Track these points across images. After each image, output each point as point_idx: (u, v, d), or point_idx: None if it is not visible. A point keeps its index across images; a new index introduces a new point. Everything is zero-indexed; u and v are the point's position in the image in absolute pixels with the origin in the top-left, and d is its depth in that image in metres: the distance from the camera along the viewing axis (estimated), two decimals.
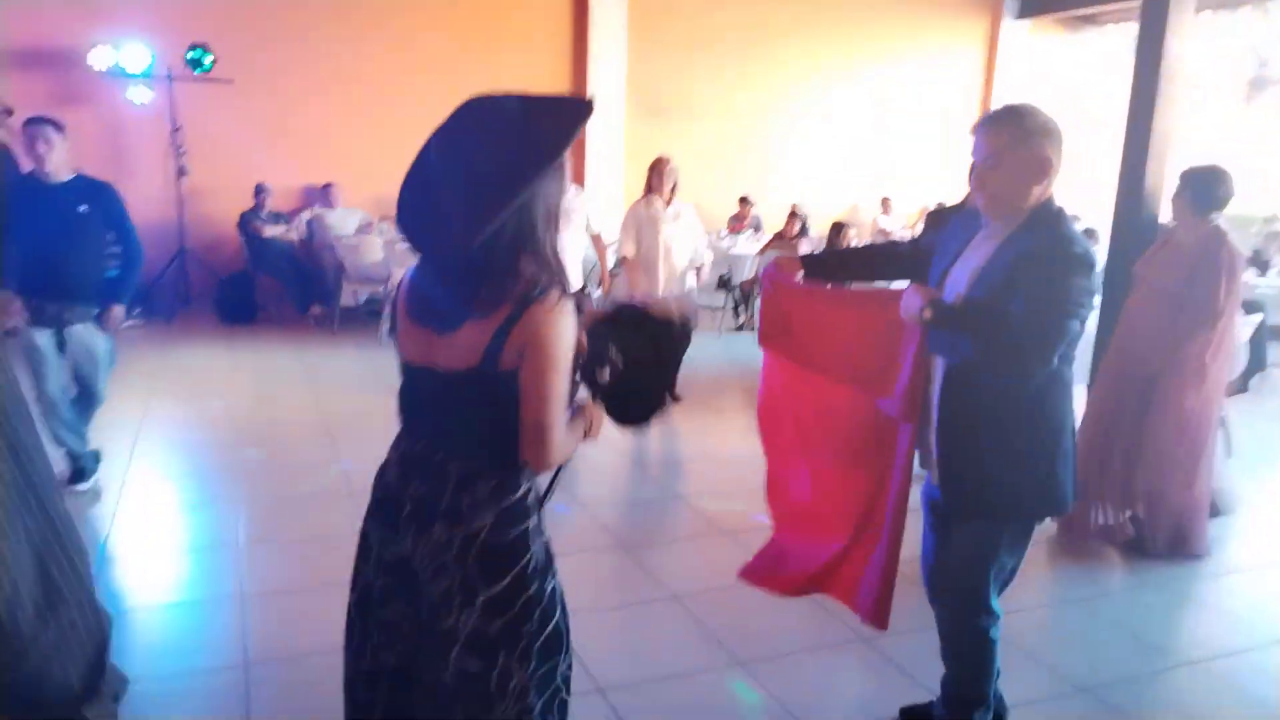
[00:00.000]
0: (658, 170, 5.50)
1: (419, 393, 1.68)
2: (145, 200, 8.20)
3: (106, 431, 4.23)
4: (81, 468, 4.02)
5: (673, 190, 5.52)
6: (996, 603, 2.23)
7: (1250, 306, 5.54)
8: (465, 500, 1.58)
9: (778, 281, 2.53)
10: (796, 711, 2.64)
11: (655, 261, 5.52)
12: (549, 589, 1.67)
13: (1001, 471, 2.07)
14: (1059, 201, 2.10)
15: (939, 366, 2.14)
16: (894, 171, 11.29)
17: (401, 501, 1.64)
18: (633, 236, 5.48)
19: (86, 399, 4.08)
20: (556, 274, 1.55)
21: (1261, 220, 10.30)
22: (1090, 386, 4.04)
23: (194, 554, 3.57)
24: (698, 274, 5.71)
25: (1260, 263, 8.47)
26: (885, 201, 10.91)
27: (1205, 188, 3.60)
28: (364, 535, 1.77)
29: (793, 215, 8.66)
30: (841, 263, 2.69)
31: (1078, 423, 2.47)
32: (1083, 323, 1.96)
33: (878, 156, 11.30)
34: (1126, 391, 3.77)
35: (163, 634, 2.97)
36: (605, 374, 1.74)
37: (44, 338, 3.82)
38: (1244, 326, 5.31)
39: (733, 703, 2.70)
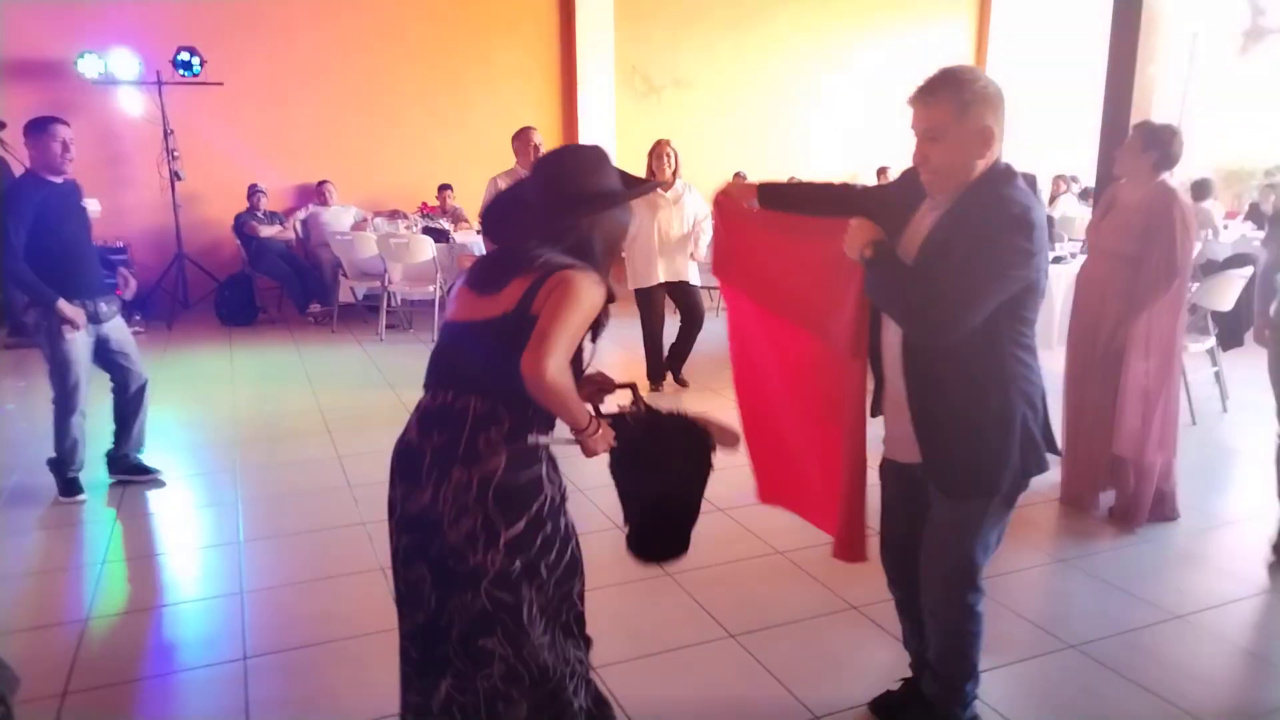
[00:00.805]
0: (657, 154, 5.51)
1: (452, 346, 1.88)
2: (141, 207, 8.28)
3: (107, 437, 4.29)
4: (74, 479, 4.07)
5: (674, 173, 5.51)
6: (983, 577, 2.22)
7: (1242, 260, 5.51)
8: (481, 441, 1.76)
9: (726, 208, 2.47)
10: (792, 683, 2.67)
11: (652, 247, 5.52)
12: (563, 524, 1.91)
13: (985, 445, 2.02)
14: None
15: (896, 338, 2.09)
16: (889, 142, 11.23)
17: (423, 454, 1.81)
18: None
19: (140, 390, 4.22)
20: (590, 266, 1.83)
21: (1263, 173, 10.22)
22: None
23: (195, 553, 3.63)
24: (695, 247, 5.65)
25: (1258, 215, 8.41)
26: (882, 171, 10.86)
27: (1167, 145, 3.54)
28: (390, 501, 1.94)
29: None
30: (801, 197, 2.50)
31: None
32: (1024, 283, 1.91)
33: (872, 128, 11.23)
34: (1091, 359, 3.76)
35: (164, 633, 3.03)
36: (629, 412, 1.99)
37: (88, 338, 3.92)
38: (1237, 280, 5.30)
39: (729, 675, 2.74)
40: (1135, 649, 2.85)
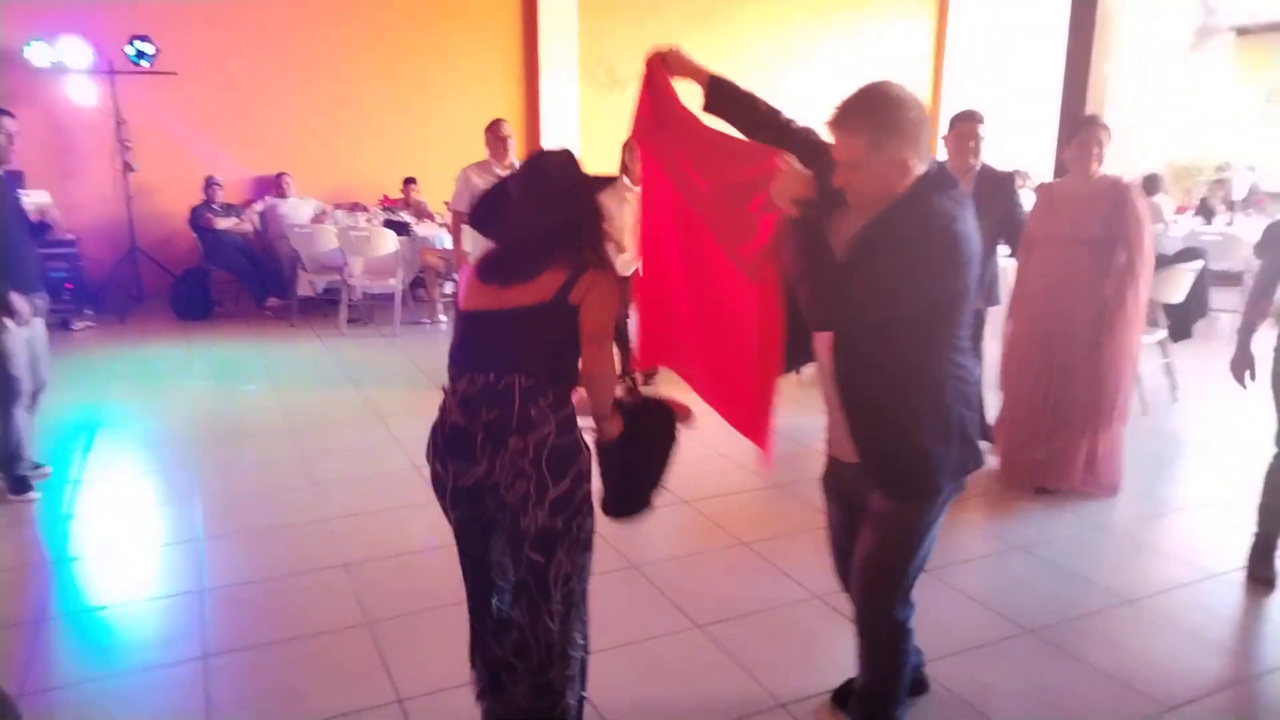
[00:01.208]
0: (629, 147, 5.49)
1: (484, 334, 2.03)
2: (93, 199, 8.10)
3: (62, 432, 4.20)
4: (24, 476, 3.97)
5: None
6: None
7: (1191, 254, 5.65)
8: (532, 411, 1.96)
9: (657, 78, 2.37)
10: (758, 672, 2.70)
11: (623, 240, 5.52)
12: (590, 489, 2.06)
13: (923, 446, 1.99)
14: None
15: (825, 342, 2.06)
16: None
17: (474, 432, 1.98)
18: None
19: (38, 393, 4.04)
20: (609, 262, 2.07)
21: (1213, 168, 10.46)
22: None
23: (153, 551, 3.57)
24: None
25: (1206, 211, 8.62)
26: None
27: (1108, 138, 3.73)
28: (436, 478, 2.10)
29: None
30: (747, 110, 2.31)
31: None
32: (952, 293, 1.90)
33: None
34: (1048, 345, 3.88)
35: (122, 631, 2.98)
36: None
37: (26, 331, 3.81)
38: (1186, 273, 5.43)
39: (695, 665, 2.76)
40: (1089, 633, 2.93)
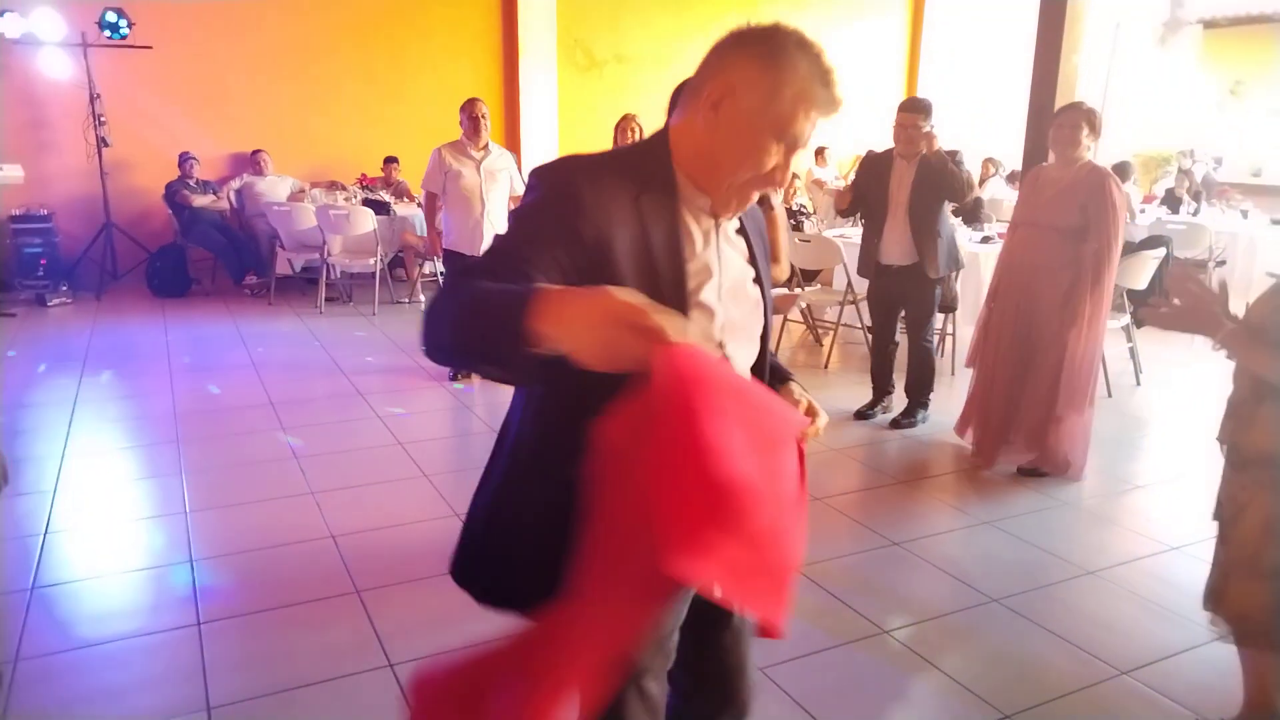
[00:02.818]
0: (623, 128, 5.54)
1: None
2: (66, 174, 8.01)
3: (42, 410, 4.21)
4: None
5: None
6: None
7: (1156, 241, 5.82)
8: None
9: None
10: None
11: None
12: None
13: None
14: None
15: None
16: (829, 122, 11.42)
17: None
18: None
19: None
20: None
21: (1177, 156, 10.67)
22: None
23: (140, 524, 3.61)
24: None
25: (1172, 200, 8.83)
26: (820, 152, 11.06)
27: (1098, 123, 3.84)
28: None
29: None
30: None
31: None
32: None
33: None
34: (1021, 327, 4.01)
35: (114, 601, 3.02)
36: None
37: None
38: (1151, 260, 5.60)
39: None
40: (1051, 602, 3.07)
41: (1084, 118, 3.83)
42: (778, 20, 1.32)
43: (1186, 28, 11.93)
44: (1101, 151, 3.89)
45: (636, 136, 5.52)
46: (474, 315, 1.13)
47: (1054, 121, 3.92)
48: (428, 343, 1.24)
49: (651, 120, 5.87)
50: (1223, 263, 7.57)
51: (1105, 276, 3.86)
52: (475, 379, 5.47)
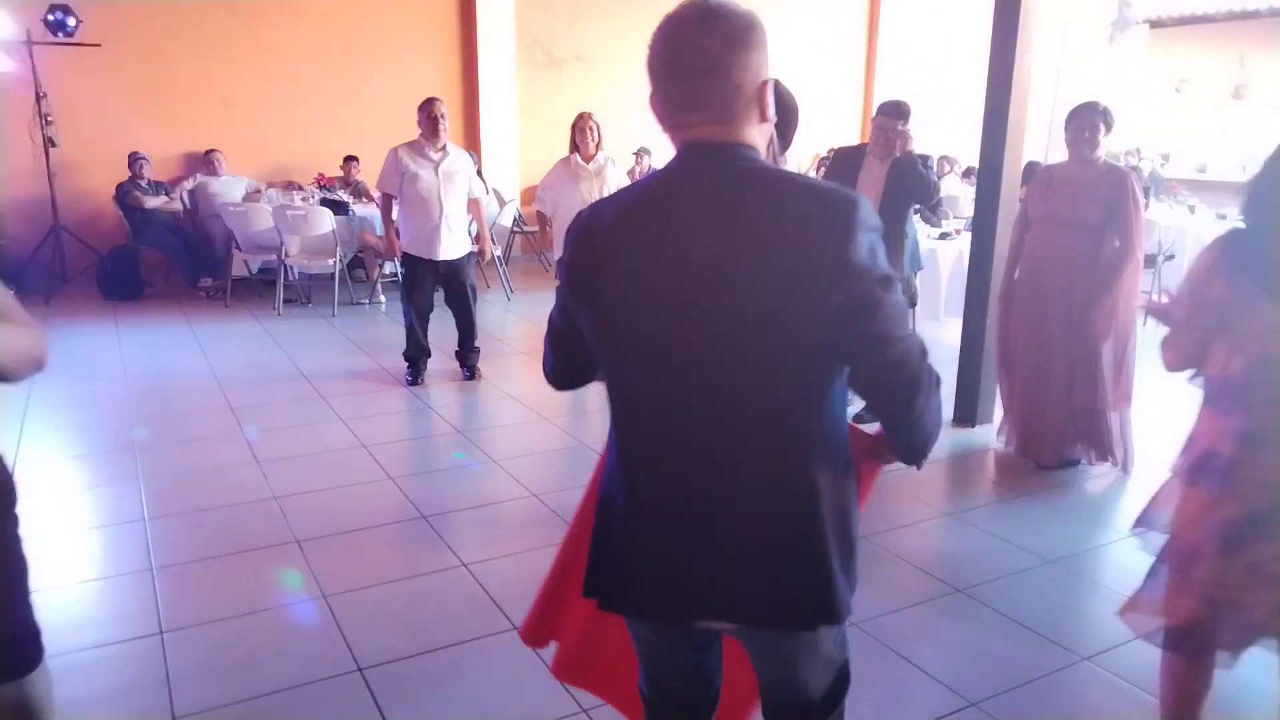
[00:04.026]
0: (580, 127, 5.51)
1: None
2: (12, 176, 7.80)
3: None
4: None
5: (597, 145, 5.55)
6: None
7: None
8: None
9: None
10: None
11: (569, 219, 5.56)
12: None
13: None
14: None
15: None
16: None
17: None
18: (552, 197, 5.53)
19: None
20: None
21: (1123, 154, 10.92)
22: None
23: (98, 532, 3.53)
24: None
25: None
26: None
27: (1112, 121, 3.97)
28: None
29: None
30: None
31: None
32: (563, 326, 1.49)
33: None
34: (1050, 319, 4.08)
35: (73, 611, 2.95)
36: None
37: None
38: None
39: None
40: (1014, 590, 3.12)
41: (1100, 117, 3.94)
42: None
43: (1133, 27, 12.21)
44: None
45: (594, 135, 5.51)
46: None
47: (1070, 121, 4.01)
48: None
49: (608, 118, 5.86)
50: (1171, 257, 7.75)
51: (1135, 270, 3.94)
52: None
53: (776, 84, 1.38)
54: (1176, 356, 2.05)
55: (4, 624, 1.78)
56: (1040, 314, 4.13)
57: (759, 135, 1.33)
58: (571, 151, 5.56)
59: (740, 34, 1.27)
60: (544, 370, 1.60)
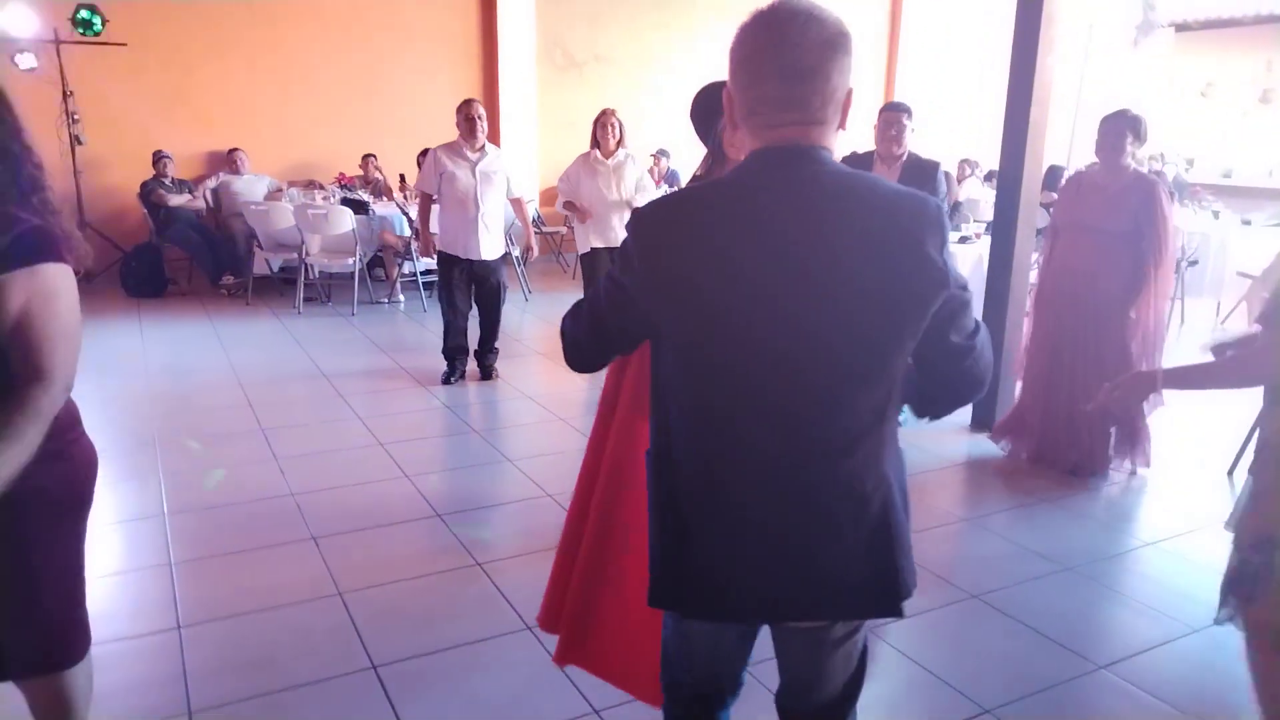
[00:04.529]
0: (601, 123, 5.53)
1: None
2: None
3: None
4: None
5: (618, 143, 5.56)
6: None
7: None
8: None
9: None
10: None
11: (598, 215, 5.54)
12: None
13: None
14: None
15: None
16: None
17: None
18: (568, 189, 5.57)
19: None
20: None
21: (1147, 158, 10.81)
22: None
23: (118, 527, 3.57)
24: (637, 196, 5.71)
25: None
26: None
27: (1144, 130, 3.94)
28: None
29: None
30: None
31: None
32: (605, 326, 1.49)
33: None
34: (1077, 327, 4.07)
35: (92, 605, 2.97)
36: None
37: None
38: None
39: None
40: (1030, 597, 3.10)
41: (1129, 126, 3.92)
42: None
43: (1158, 30, 12.08)
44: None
45: (615, 132, 5.51)
46: None
47: (1099, 129, 4.00)
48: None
49: (628, 120, 5.86)
50: (1195, 262, 7.67)
51: (1163, 276, 3.94)
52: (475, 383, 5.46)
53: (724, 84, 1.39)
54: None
55: (48, 616, 1.80)
56: (1067, 321, 4.11)
57: (836, 142, 1.35)
58: (592, 147, 5.58)
59: (837, 39, 1.28)
60: (568, 354, 1.58)
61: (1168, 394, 3.96)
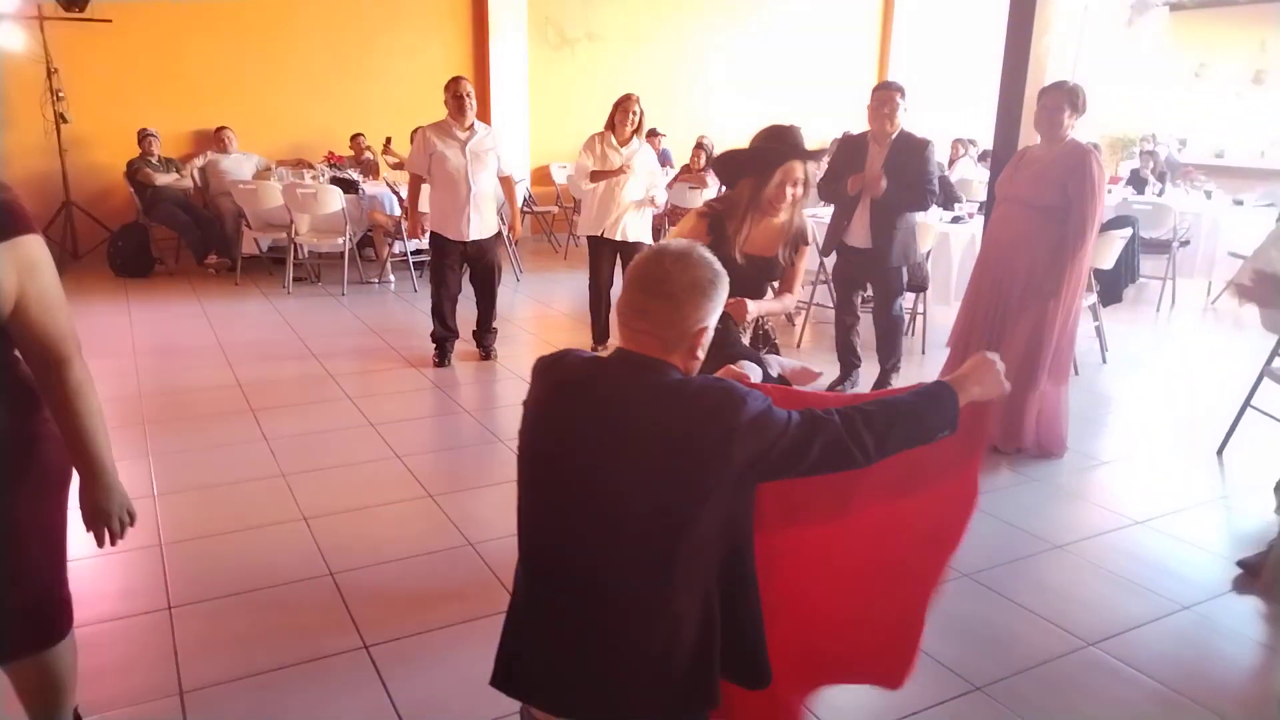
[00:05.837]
0: (623, 107, 5.44)
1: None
2: (23, 151, 7.81)
3: None
4: None
5: (635, 130, 5.48)
6: None
7: (1122, 221, 5.88)
8: None
9: None
10: None
11: (606, 199, 5.49)
12: None
13: None
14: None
15: None
16: (794, 99, 11.42)
17: None
18: (585, 172, 5.50)
19: None
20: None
21: (1139, 139, 10.81)
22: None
23: None
24: (653, 204, 5.66)
25: (1138, 181, 8.94)
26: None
27: (1081, 101, 3.84)
28: None
29: (699, 147, 8.69)
30: None
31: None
32: None
33: (785, 86, 11.39)
34: (998, 304, 4.03)
35: (82, 585, 2.96)
36: None
37: None
38: (1117, 240, 5.67)
39: None
40: (1020, 575, 3.12)
41: (1065, 97, 3.81)
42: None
43: (1153, 10, 12.04)
44: (1075, 133, 3.91)
45: (635, 120, 5.44)
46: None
47: (1038, 102, 3.91)
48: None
49: (601, 100, 5.75)
50: (1186, 243, 7.68)
51: (1081, 251, 3.84)
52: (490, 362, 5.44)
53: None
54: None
55: (32, 593, 1.79)
56: (987, 297, 4.07)
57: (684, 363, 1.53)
58: (607, 129, 5.50)
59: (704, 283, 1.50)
60: None
61: (1126, 384, 4.02)
